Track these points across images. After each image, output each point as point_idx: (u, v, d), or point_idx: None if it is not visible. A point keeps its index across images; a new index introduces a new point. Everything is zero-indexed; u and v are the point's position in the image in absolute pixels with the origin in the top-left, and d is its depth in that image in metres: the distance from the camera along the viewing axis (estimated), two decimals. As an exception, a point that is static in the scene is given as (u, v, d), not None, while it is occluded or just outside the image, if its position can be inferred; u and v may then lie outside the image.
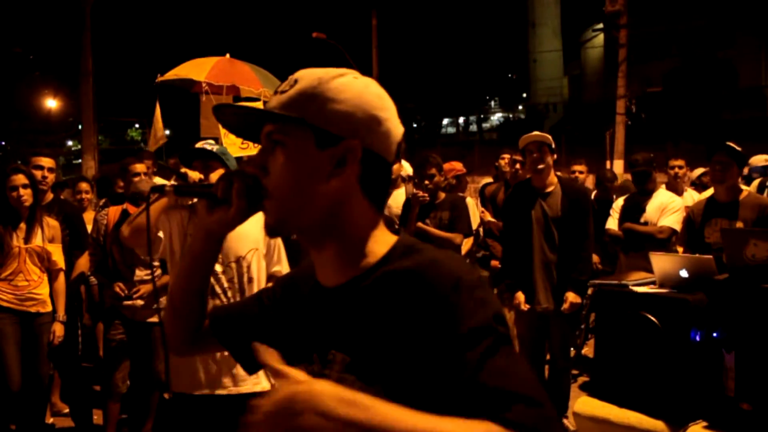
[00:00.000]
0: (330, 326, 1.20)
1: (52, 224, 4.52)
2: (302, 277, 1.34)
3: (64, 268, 4.59)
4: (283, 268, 3.33)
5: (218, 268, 3.11)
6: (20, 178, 4.33)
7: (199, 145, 3.27)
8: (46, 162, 4.89)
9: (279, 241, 3.32)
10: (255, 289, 3.12)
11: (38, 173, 4.73)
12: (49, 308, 4.46)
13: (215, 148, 3.20)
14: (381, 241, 1.21)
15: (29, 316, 4.38)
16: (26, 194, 4.33)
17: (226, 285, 3.13)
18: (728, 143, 4.48)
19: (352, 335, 1.16)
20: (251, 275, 3.19)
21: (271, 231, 1.22)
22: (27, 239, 4.36)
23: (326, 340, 1.20)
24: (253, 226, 2.97)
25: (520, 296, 4.62)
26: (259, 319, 1.38)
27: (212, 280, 3.30)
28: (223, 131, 6.34)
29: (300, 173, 1.17)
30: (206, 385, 3.03)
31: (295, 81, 1.20)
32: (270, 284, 2.76)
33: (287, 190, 1.17)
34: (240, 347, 1.39)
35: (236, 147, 6.32)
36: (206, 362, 3.02)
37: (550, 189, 4.60)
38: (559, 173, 4.89)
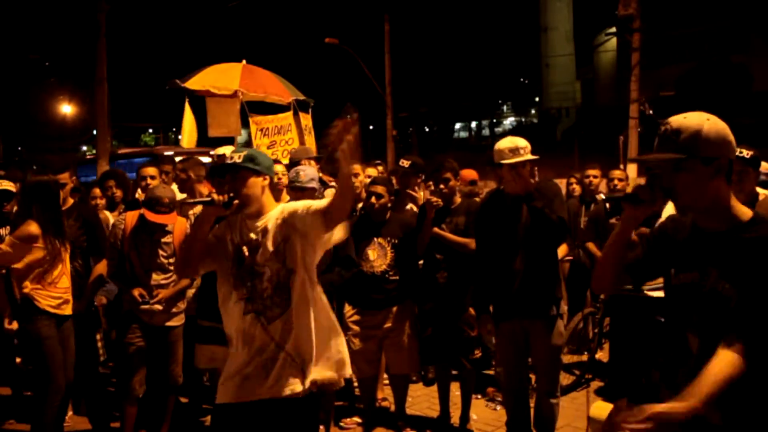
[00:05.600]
0: (710, 253, 2.19)
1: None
2: (675, 227, 2.37)
3: None
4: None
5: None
6: None
7: (221, 151, 3.34)
8: None
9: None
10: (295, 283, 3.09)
11: None
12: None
13: (237, 154, 3.17)
14: (742, 209, 2.22)
15: None
16: None
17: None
18: (739, 150, 4.45)
19: (727, 261, 2.15)
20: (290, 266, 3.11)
21: (681, 211, 2.37)
22: None
23: (705, 262, 2.20)
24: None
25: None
26: (651, 256, 2.40)
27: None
28: (254, 134, 6.53)
29: (697, 182, 2.18)
30: (246, 394, 3.06)
31: (678, 131, 2.19)
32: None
33: (691, 192, 2.20)
34: (643, 282, 2.67)
35: (263, 149, 6.53)
36: (242, 371, 3.07)
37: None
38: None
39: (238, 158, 3.13)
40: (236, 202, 3.10)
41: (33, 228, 4.29)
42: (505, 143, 4.25)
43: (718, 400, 2.05)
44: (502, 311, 4.39)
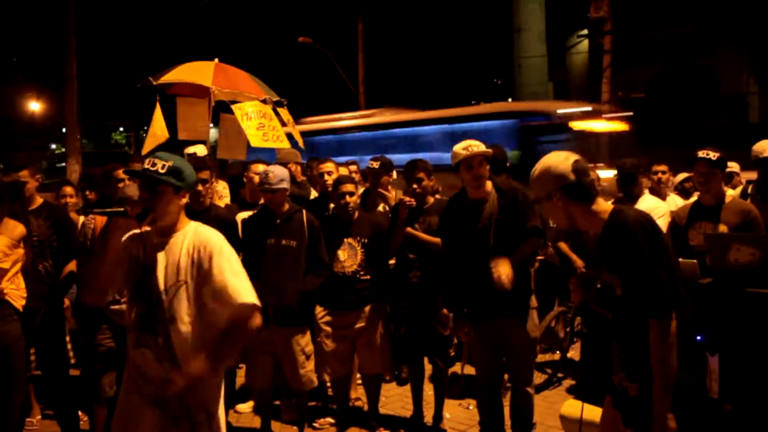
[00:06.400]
0: (598, 253, 2.80)
1: None
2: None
3: None
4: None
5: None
6: None
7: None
8: None
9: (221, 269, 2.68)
10: (177, 328, 2.70)
11: None
12: None
13: (161, 162, 2.74)
14: (603, 210, 2.76)
15: None
16: None
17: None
18: (706, 152, 4.55)
19: (602, 254, 2.75)
20: (171, 314, 2.71)
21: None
22: None
23: (597, 260, 2.81)
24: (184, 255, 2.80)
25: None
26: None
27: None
28: (240, 118, 6.47)
29: (555, 212, 2.88)
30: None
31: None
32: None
33: (559, 219, 2.91)
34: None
35: (258, 138, 6.50)
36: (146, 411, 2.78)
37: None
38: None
39: (161, 168, 2.71)
40: (152, 215, 2.71)
41: (21, 227, 4.25)
42: (458, 146, 4.32)
43: (636, 375, 2.65)
44: (479, 313, 4.39)
